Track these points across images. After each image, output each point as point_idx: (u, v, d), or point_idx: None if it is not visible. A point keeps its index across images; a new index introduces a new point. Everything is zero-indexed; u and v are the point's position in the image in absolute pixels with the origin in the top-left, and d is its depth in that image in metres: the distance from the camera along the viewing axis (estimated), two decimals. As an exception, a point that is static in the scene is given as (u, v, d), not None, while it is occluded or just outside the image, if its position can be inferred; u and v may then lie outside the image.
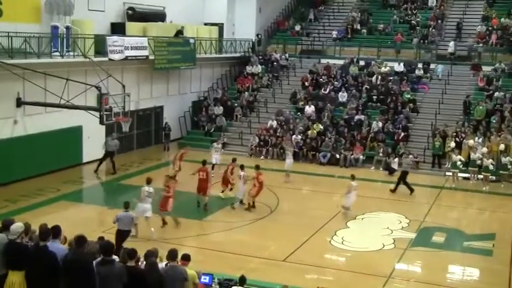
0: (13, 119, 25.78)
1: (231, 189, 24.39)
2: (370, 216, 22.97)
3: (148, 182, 19.76)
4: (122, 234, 17.21)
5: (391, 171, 29.85)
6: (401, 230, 21.39)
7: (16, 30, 24.77)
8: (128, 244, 14.51)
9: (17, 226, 10.30)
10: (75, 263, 9.61)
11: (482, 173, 28.23)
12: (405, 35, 40.95)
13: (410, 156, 28.46)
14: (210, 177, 23.23)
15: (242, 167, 23.63)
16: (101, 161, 28.37)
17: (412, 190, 26.45)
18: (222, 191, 24.40)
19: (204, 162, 23.55)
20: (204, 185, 22.81)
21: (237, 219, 22.21)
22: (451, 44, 39.09)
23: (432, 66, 38.05)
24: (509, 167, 28.54)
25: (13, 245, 10.10)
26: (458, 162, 28.25)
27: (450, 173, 28.99)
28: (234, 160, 24.89)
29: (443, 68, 37.30)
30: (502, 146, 29.35)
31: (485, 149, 29.16)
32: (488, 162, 28.13)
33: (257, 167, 23.83)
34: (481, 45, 38.79)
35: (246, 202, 23.41)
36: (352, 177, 23.04)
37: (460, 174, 28.72)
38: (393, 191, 26.62)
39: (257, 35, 43.62)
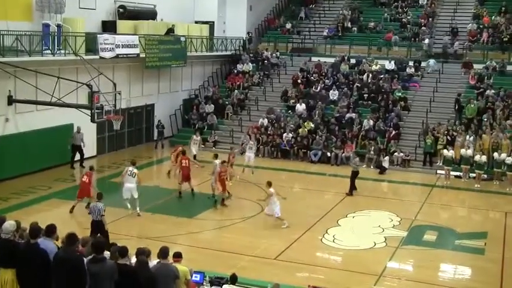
0: (4, 117, 25.75)
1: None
2: (361, 215, 23.00)
3: (134, 163, 21.86)
4: (95, 225, 17.46)
5: (382, 169, 29.89)
6: (393, 229, 21.40)
7: (7, 28, 24.68)
8: (122, 242, 14.47)
9: (10, 224, 10.28)
10: (66, 260, 9.56)
11: (476, 171, 28.17)
12: (396, 33, 40.95)
13: (357, 159, 27.56)
14: (191, 164, 24.38)
15: (216, 156, 24.48)
16: (72, 157, 28.69)
17: (351, 194, 25.59)
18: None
19: (183, 152, 24.85)
20: (188, 172, 23.89)
21: (227, 217, 22.21)
22: (426, 41, 39.20)
23: (423, 64, 38.13)
24: (503, 166, 28.50)
25: (4, 242, 10.08)
26: (449, 154, 28.31)
27: (442, 171, 29.05)
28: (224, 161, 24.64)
29: (435, 62, 37.47)
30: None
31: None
32: (481, 160, 28.14)
33: (223, 162, 23.85)
34: (458, 42, 38.90)
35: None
36: (269, 184, 21.21)
37: (451, 173, 28.79)
38: (350, 193, 25.75)
39: (248, 33, 43.60)
